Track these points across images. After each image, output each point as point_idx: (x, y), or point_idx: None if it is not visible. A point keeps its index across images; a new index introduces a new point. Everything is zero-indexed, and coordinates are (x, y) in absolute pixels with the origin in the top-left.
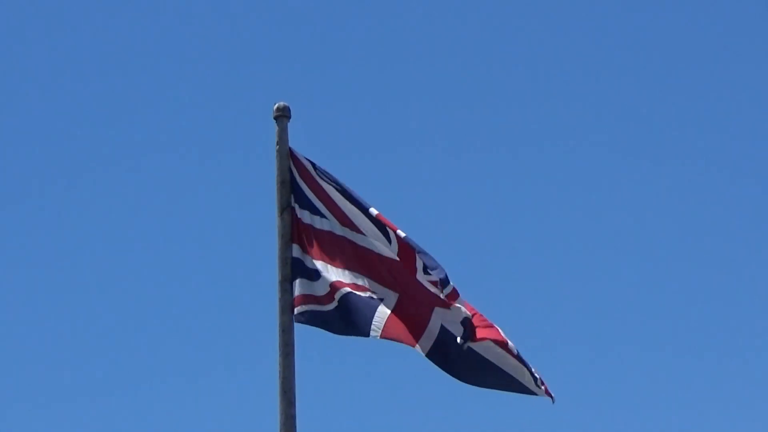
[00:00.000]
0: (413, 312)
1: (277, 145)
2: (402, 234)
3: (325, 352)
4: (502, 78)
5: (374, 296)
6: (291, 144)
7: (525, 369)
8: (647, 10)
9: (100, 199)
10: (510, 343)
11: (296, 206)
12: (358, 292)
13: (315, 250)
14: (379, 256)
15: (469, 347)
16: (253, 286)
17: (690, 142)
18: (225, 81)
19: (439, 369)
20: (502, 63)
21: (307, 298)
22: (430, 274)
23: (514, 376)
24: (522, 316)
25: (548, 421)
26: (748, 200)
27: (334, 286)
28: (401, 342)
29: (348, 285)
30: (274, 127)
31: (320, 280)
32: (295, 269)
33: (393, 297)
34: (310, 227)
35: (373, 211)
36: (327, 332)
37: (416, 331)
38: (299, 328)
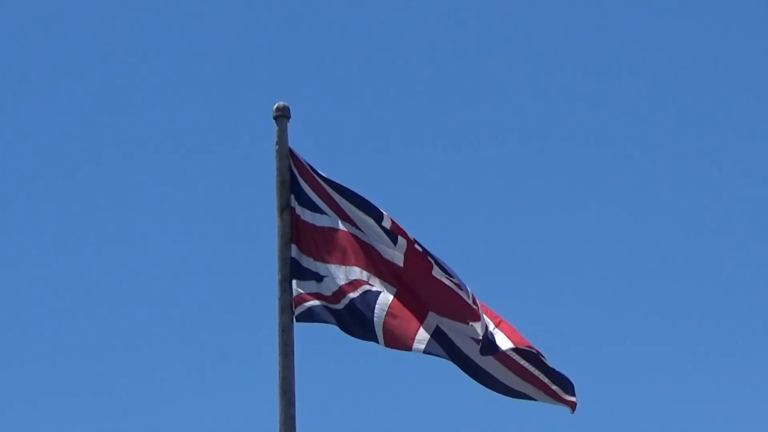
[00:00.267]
0: (409, 312)
1: (277, 145)
2: (419, 248)
3: (324, 352)
4: (502, 76)
5: (371, 288)
6: (290, 144)
7: (534, 387)
8: (647, 9)
9: (100, 198)
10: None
11: (296, 205)
12: (358, 292)
13: (317, 249)
14: (380, 255)
15: (473, 362)
16: (253, 286)
17: (690, 142)
18: (225, 81)
19: (441, 359)
20: (502, 61)
21: (312, 296)
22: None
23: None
24: (521, 315)
25: (548, 421)
26: (748, 200)
27: (342, 290)
28: (398, 349)
29: (350, 286)
30: (274, 127)
31: (325, 281)
32: (292, 269)
33: (391, 291)
34: (312, 226)
35: (387, 221)
36: (326, 332)
37: (412, 331)
38: (299, 328)
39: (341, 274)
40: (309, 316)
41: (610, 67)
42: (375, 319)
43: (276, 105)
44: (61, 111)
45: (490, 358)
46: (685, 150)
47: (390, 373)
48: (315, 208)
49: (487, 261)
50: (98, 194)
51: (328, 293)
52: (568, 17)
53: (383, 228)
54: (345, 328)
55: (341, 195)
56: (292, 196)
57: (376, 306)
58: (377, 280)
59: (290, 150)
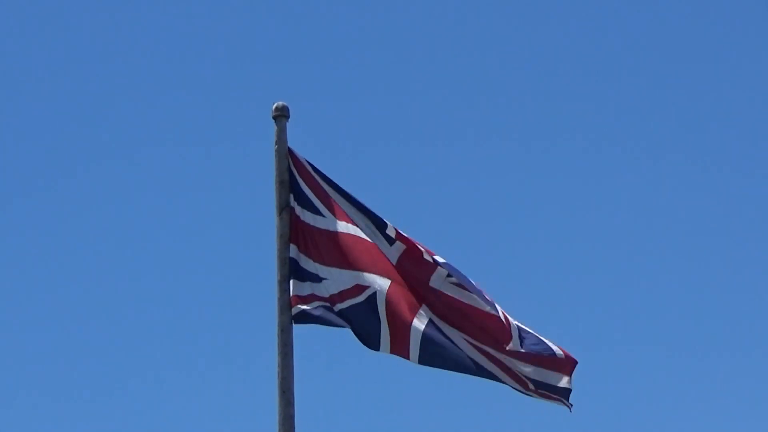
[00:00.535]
0: (402, 309)
1: (276, 144)
2: (438, 259)
3: (323, 352)
4: (502, 76)
5: (368, 292)
6: (290, 144)
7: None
8: (647, 9)
9: (99, 198)
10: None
11: (296, 205)
12: (358, 299)
13: (316, 251)
14: (377, 248)
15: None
16: (252, 286)
17: (690, 142)
18: (224, 81)
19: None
20: (502, 61)
21: (309, 298)
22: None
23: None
24: (522, 315)
25: (549, 421)
26: (748, 200)
27: (341, 295)
28: (401, 357)
29: (349, 292)
30: (273, 127)
31: (324, 283)
32: (291, 269)
33: (384, 284)
34: (311, 227)
35: (391, 230)
36: (325, 333)
37: (407, 335)
38: (298, 328)
39: (340, 278)
40: (305, 317)
41: (610, 67)
42: (382, 328)
43: (275, 105)
44: (61, 111)
45: (478, 354)
46: (685, 150)
47: (389, 373)
48: (313, 209)
49: (486, 260)
50: (97, 194)
51: (326, 295)
52: (568, 17)
53: (384, 234)
54: (338, 324)
55: (340, 194)
56: (291, 196)
57: (378, 311)
58: (374, 276)
59: (289, 149)
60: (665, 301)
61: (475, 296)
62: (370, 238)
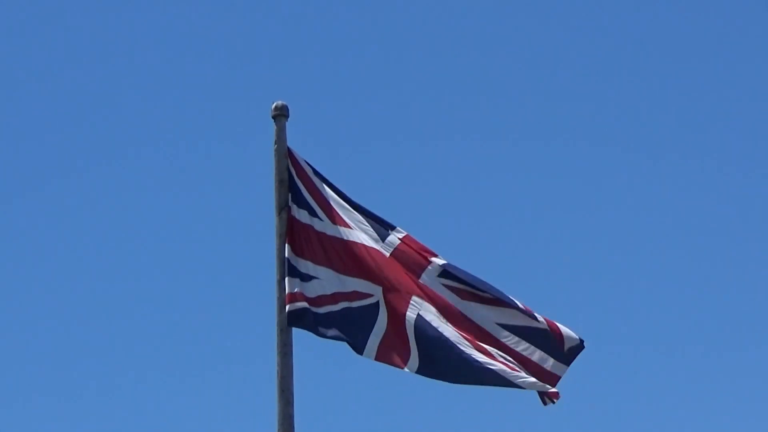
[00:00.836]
0: (397, 314)
1: (275, 144)
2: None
3: (322, 351)
4: (502, 76)
5: (369, 301)
6: (289, 143)
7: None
8: (647, 9)
9: (98, 198)
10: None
11: (294, 206)
12: (353, 304)
13: (310, 250)
14: (366, 247)
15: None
16: (252, 286)
17: (690, 142)
18: (223, 80)
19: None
20: (503, 61)
21: (297, 296)
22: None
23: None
24: None
25: (550, 421)
26: (748, 200)
27: (331, 297)
28: (390, 365)
29: (341, 297)
30: (273, 126)
31: (312, 283)
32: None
33: (380, 291)
34: (306, 227)
35: (399, 233)
36: None
37: (404, 345)
38: (297, 328)
39: (335, 280)
40: (298, 319)
41: (610, 67)
42: (373, 334)
43: (274, 104)
44: (61, 110)
45: (469, 346)
46: (685, 150)
47: (389, 373)
48: (310, 210)
49: (486, 260)
50: (96, 193)
51: (313, 295)
52: (568, 17)
53: (382, 235)
54: (322, 332)
55: (337, 196)
56: (290, 195)
57: (378, 320)
58: (368, 283)
59: (288, 149)
60: (665, 301)
61: (472, 303)
62: (365, 241)
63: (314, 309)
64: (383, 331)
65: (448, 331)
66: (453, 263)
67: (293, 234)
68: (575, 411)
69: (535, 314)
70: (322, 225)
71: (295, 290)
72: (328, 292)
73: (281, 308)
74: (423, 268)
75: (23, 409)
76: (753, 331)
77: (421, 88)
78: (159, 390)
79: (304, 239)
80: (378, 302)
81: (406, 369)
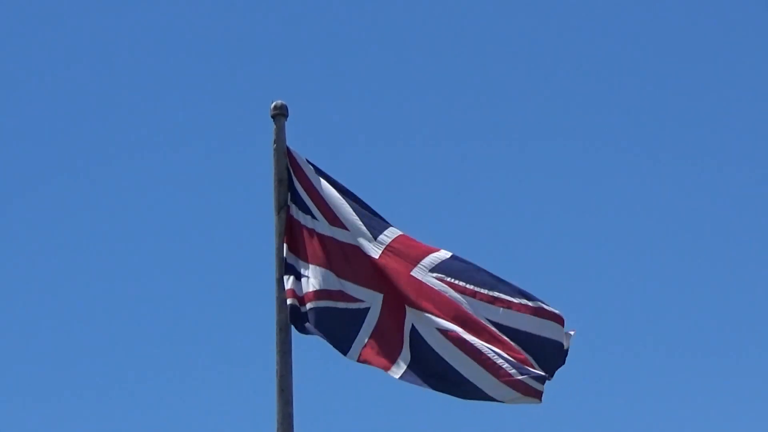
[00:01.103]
0: (390, 322)
1: (275, 143)
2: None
3: (322, 350)
4: (501, 76)
5: (360, 306)
6: (288, 142)
7: (490, 375)
8: (647, 9)
9: (97, 198)
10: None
11: (292, 206)
12: (341, 305)
13: (303, 249)
14: (364, 253)
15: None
16: (251, 285)
17: (690, 142)
18: (222, 79)
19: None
20: (502, 61)
21: (290, 293)
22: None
23: (477, 384)
24: None
25: (551, 421)
26: (748, 199)
27: (317, 294)
28: (373, 365)
29: (332, 296)
30: (272, 126)
31: (302, 281)
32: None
33: (378, 299)
34: (302, 226)
35: (395, 231)
36: None
37: (393, 349)
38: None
39: (323, 277)
40: (296, 319)
41: (609, 67)
42: (359, 336)
43: (274, 103)
44: (60, 110)
45: (460, 354)
46: (685, 150)
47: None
48: (306, 210)
49: (485, 259)
50: (95, 193)
51: (300, 294)
52: (568, 17)
53: (376, 237)
54: (305, 328)
55: (336, 195)
56: (290, 195)
57: (365, 324)
58: (364, 290)
59: (287, 149)
60: (664, 300)
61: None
62: (360, 244)
63: (301, 307)
64: (368, 336)
65: (440, 342)
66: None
67: (291, 233)
68: (575, 411)
69: (543, 306)
70: (319, 225)
71: (291, 287)
72: (312, 289)
73: (281, 307)
74: (415, 264)
75: (23, 409)
76: (753, 332)
77: (420, 87)
78: (158, 389)
79: (300, 237)
80: (368, 308)
81: (390, 372)
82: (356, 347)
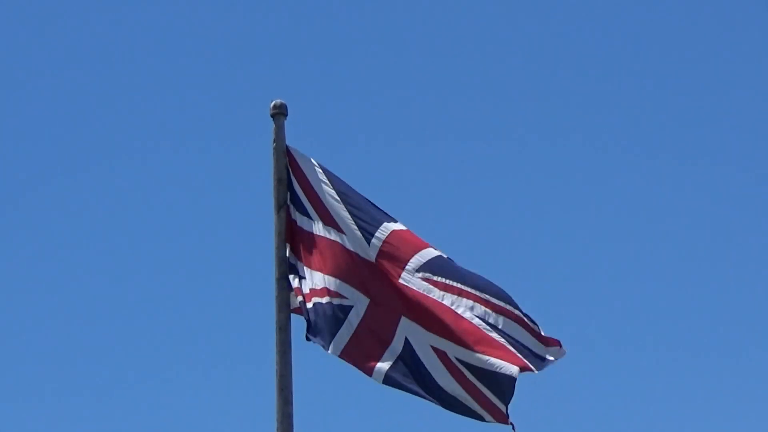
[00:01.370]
0: (378, 327)
1: (274, 142)
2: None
3: (321, 350)
4: (501, 75)
5: (344, 302)
6: (288, 141)
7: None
8: (648, 9)
9: (97, 197)
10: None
11: (291, 206)
12: (325, 300)
13: (304, 252)
14: (357, 256)
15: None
16: (251, 284)
17: (690, 142)
18: (222, 78)
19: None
20: (502, 60)
21: (297, 291)
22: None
23: (464, 402)
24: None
25: (551, 421)
26: (748, 199)
27: (312, 293)
28: (357, 367)
29: (319, 293)
30: (271, 125)
31: (302, 283)
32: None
33: (364, 302)
34: (299, 228)
35: (398, 226)
36: None
37: (377, 351)
38: (296, 326)
39: (315, 279)
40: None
41: (609, 67)
42: (341, 331)
43: (273, 102)
44: (60, 109)
45: (448, 376)
46: (685, 150)
47: None
48: (303, 211)
49: (484, 259)
50: (95, 193)
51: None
52: (568, 17)
53: (370, 241)
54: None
55: (335, 196)
56: (289, 194)
57: (348, 320)
58: (351, 289)
59: (287, 148)
60: (664, 300)
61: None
62: (355, 248)
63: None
64: (351, 334)
65: (433, 362)
66: (452, 260)
67: (293, 234)
68: (574, 411)
69: (521, 316)
70: (315, 226)
71: (297, 286)
72: (307, 291)
73: (280, 306)
74: (403, 268)
75: (23, 409)
76: (753, 332)
77: (420, 86)
78: (158, 389)
79: (299, 239)
80: (351, 306)
81: (373, 377)
82: (338, 343)
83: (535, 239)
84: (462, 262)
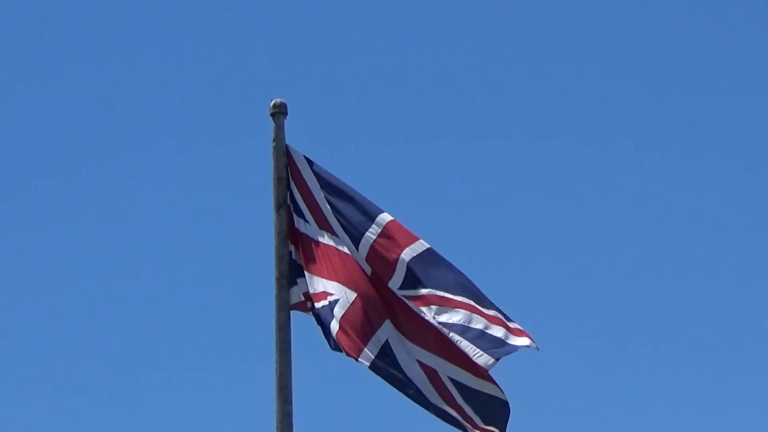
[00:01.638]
0: (366, 314)
1: (274, 142)
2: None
3: (321, 349)
4: (500, 75)
5: (331, 298)
6: (287, 141)
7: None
8: (648, 9)
9: (96, 197)
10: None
11: (291, 207)
12: (323, 303)
13: (303, 255)
14: (350, 259)
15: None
16: (250, 283)
17: (690, 142)
18: (222, 78)
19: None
20: (501, 60)
21: (306, 296)
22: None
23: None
24: (521, 315)
25: (552, 421)
26: (748, 199)
27: (317, 296)
28: (346, 353)
29: (317, 297)
30: (271, 124)
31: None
32: (289, 266)
33: (352, 295)
34: (298, 231)
35: (387, 216)
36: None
37: (363, 336)
38: (296, 326)
39: (316, 284)
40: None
41: (609, 67)
42: (332, 323)
43: (273, 102)
44: (60, 109)
45: (434, 393)
46: (685, 150)
47: None
48: (299, 213)
49: (483, 258)
50: (95, 192)
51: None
52: (568, 17)
53: (359, 244)
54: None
55: (330, 197)
56: (289, 194)
57: (334, 312)
58: (339, 286)
59: (287, 148)
60: (664, 300)
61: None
62: (348, 249)
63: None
64: (339, 319)
65: (411, 369)
66: (450, 260)
67: (296, 236)
68: (573, 411)
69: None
70: (310, 229)
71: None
72: (311, 294)
73: (280, 306)
74: (389, 277)
75: (23, 409)
76: (754, 332)
77: (420, 86)
78: (158, 388)
79: (300, 242)
80: (338, 300)
81: (360, 360)
82: (332, 334)
83: (535, 239)
84: (462, 262)
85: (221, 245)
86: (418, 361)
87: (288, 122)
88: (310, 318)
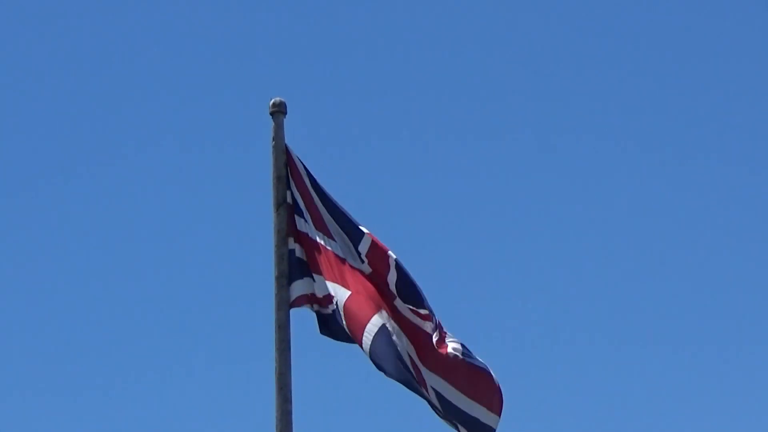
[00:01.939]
0: (362, 303)
1: (273, 140)
2: (393, 256)
3: (321, 348)
4: (499, 74)
5: (336, 300)
6: (287, 140)
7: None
8: (647, 9)
9: (96, 196)
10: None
11: (293, 206)
12: (330, 307)
13: (307, 255)
14: (349, 265)
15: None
16: (250, 282)
17: (690, 142)
18: (221, 77)
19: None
20: (500, 59)
21: (308, 298)
22: (420, 308)
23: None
24: (521, 315)
25: (552, 420)
26: (748, 199)
27: (323, 299)
28: (352, 340)
29: (321, 302)
30: (270, 123)
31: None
32: (290, 265)
33: (346, 293)
34: (299, 230)
35: (364, 229)
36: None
37: (363, 323)
38: (296, 325)
39: (321, 286)
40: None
41: (609, 67)
42: (336, 318)
43: (272, 101)
44: (57, 109)
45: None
46: (685, 150)
47: None
48: (299, 213)
49: (482, 258)
50: (95, 192)
51: (320, 295)
52: (568, 17)
53: (356, 250)
54: (333, 333)
55: (323, 203)
56: (289, 193)
57: (336, 306)
58: (338, 287)
59: (286, 147)
60: (664, 300)
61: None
62: (342, 253)
63: (324, 309)
64: (343, 302)
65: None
66: (447, 262)
67: (297, 234)
68: (572, 411)
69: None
70: (308, 228)
71: (308, 291)
72: (326, 295)
73: (279, 305)
74: (387, 274)
75: (23, 409)
76: (754, 332)
77: (419, 86)
78: (157, 388)
79: (301, 242)
80: (337, 302)
81: (362, 344)
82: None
83: (536, 239)
84: (462, 261)
85: (221, 244)
86: (409, 355)
87: (287, 121)
88: (310, 317)
